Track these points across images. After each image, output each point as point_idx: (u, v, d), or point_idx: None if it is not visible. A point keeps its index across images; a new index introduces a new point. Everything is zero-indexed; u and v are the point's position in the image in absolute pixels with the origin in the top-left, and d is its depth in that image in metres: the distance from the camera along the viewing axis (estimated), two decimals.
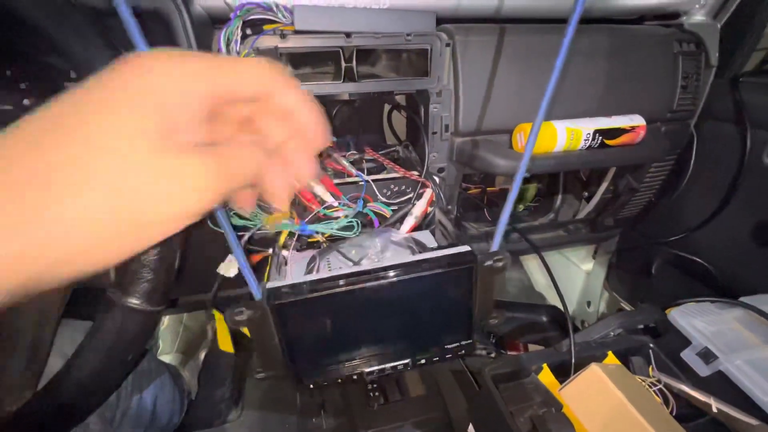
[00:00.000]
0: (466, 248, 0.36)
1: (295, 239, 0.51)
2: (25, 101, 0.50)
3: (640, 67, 0.64)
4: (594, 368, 0.41)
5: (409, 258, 0.35)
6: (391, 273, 0.33)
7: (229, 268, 0.48)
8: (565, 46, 0.36)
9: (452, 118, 0.59)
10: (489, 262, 0.36)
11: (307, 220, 0.50)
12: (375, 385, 0.66)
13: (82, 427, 0.33)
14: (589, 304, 1.12)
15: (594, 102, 0.64)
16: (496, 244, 0.37)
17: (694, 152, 0.73)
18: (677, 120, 0.69)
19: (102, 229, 0.16)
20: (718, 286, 0.71)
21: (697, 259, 0.73)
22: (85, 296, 0.37)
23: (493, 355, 0.88)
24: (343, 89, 0.52)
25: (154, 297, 0.28)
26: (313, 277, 0.34)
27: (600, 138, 0.59)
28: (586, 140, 0.59)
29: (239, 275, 0.61)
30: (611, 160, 0.62)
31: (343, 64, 0.50)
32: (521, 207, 0.94)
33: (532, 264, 1.34)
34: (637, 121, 0.61)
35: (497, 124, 0.61)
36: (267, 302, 0.33)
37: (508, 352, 0.95)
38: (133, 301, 0.27)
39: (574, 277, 1.15)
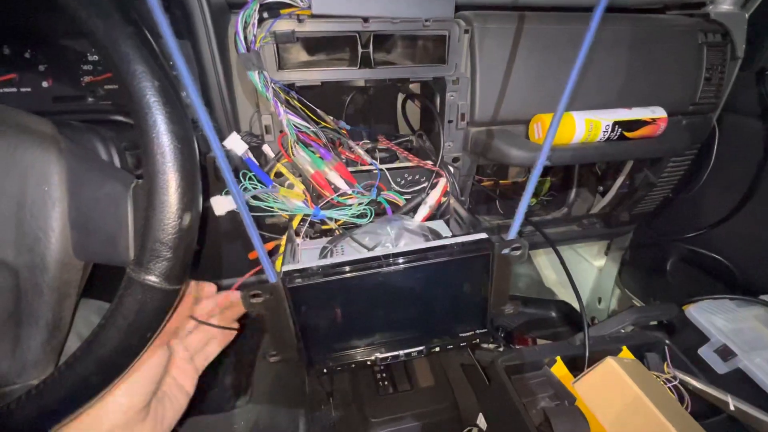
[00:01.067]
0: (482, 236, 0.36)
1: (307, 225, 0.51)
2: (44, 83, 0.51)
3: (662, 57, 0.62)
4: (610, 361, 0.40)
5: (426, 244, 0.34)
6: (408, 258, 0.33)
7: (219, 204, 0.47)
8: (590, 35, 0.35)
9: (468, 107, 0.58)
10: (506, 250, 0.36)
11: (320, 206, 0.50)
12: (384, 375, 0.66)
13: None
14: (599, 300, 1.11)
15: (614, 93, 0.62)
16: (513, 232, 0.36)
17: (715, 147, 0.71)
18: (699, 113, 0.68)
19: None
20: (737, 283, 0.69)
21: (717, 256, 0.71)
22: (103, 276, 0.37)
23: (501, 349, 0.88)
24: (359, 75, 0.51)
25: (172, 275, 0.28)
26: (329, 261, 0.34)
27: (619, 130, 0.58)
28: (604, 132, 0.58)
29: (248, 262, 0.61)
30: (630, 153, 0.61)
31: (360, 50, 0.50)
32: (534, 201, 0.93)
33: (542, 259, 1.33)
34: (659, 113, 0.60)
35: (514, 114, 0.60)
36: (282, 285, 0.33)
37: (518, 347, 0.95)
38: (152, 279, 0.27)
39: (585, 273, 1.14)
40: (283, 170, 0.51)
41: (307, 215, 0.49)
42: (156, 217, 0.27)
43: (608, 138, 0.58)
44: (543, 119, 0.58)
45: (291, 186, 0.55)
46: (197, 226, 0.30)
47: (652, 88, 0.63)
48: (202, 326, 0.44)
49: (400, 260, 0.33)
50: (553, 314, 1.06)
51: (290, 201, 0.48)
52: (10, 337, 0.28)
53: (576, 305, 1.01)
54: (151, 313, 0.28)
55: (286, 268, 0.34)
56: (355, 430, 0.61)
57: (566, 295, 1.19)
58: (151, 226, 0.28)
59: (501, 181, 0.90)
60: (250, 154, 0.47)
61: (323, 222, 0.52)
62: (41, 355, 0.29)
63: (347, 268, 0.33)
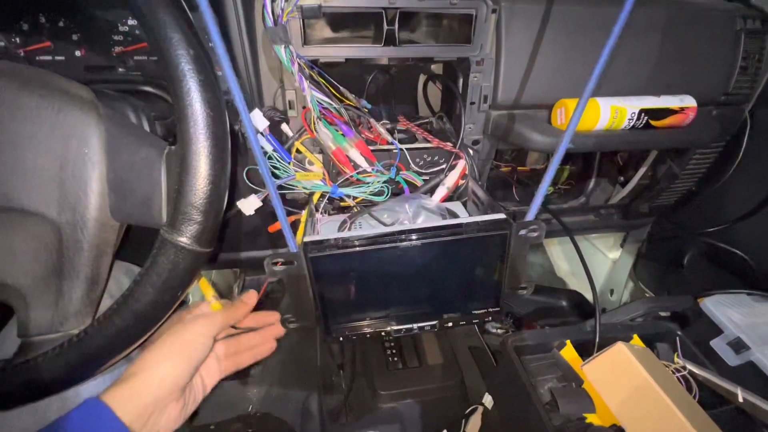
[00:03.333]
0: (501, 216, 0.36)
1: (326, 201, 0.52)
2: (77, 53, 0.52)
3: (696, 43, 0.60)
4: (620, 346, 0.41)
5: (444, 221, 0.35)
6: (426, 235, 0.34)
7: (247, 205, 0.49)
8: (622, 18, 0.34)
9: (491, 89, 0.57)
10: (523, 231, 0.36)
11: (339, 183, 0.51)
12: (394, 351, 0.68)
13: (129, 358, 0.36)
14: (611, 292, 1.10)
15: (642, 79, 0.61)
16: (531, 214, 0.37)
17: (745, 139, 0.68)
18: (731, 104, 0.65)
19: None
20: (756, 280, 0.68)
21: (737, 252, 0.70)
22: (133, 240, 0.39)
23: (509, 334, 0.88)
24: (383, 53, 0.51)
25: (202, 238, 0.30)
26: (349, 234, 0.35)
27: (645, 118, 0.57)
28: (630, 120, 0.57)
29: (267, 236, 0.63)
30: (655, 142, 0.60)
31: (385, 27, 0.49)
32: (551, 189, 0.92)
33: (554, 249, 1.33)
34: (688, 102, 0.58)
35: (537, 98, 0.59)
36: (304, 254, 0.34)
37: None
38: (184, 240, 0.29)
39: (598, 264, 1.13)
40: (302, 148, 0.52)
41: (326, 192, 0.50)
42: (188, 181, 0.29)
43: (633, 126, 0.57)
44: (567, 104, 0.57)
45: (310, 164, 0.56)
46: (226, 192, 0.31)
47: (683, 75, 0.61)
48: (240, 335, 0.46)
49: (418, 236, 0.34)
50: (564, 303, 1.06)
51: (310, 181, 0.49)
52: (53, 289, 0.30)
53: (588, 295, 1.01)
54: (182, 272, 0.30)
55: (307, 239, 0.35)
56: (364, 401, 0.63)
57: (578, 285, 1.19)
58: (183, 190, 0.29)
59: (519, 168, 0.89)
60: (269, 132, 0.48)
61: (341, 199, 0.53)
62: (81, 307, 0.31)
63: (366, 241, 0.34)
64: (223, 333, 0.44)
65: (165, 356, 0.34)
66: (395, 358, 0.67)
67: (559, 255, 1.30)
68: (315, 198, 0.49)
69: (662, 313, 0.62)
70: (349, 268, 0.35)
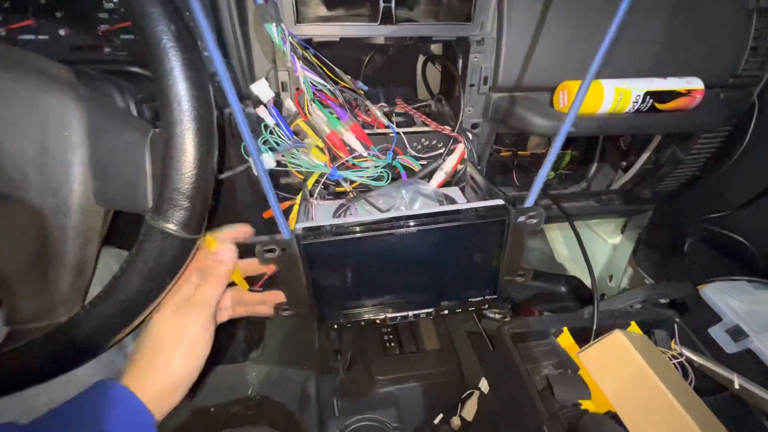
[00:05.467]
0: (499, 202, 0.35)
1: (320, 186, 0.51)
2: (61, 32, 0.50)
3: (706, 23, 0.58)
4: (617, 334, 0.40)
5: (441, 208, 0.34)
6: (422, 221, 0.33)
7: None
8: None
9: (492, 71, 0.55)
10: (522, 218, 0.35)
11: (336, 167, 0.50)
12: (391, 336, 0.68)
13: (120, 346, 0.35)
14: (610, 278, 1.10)
15: (648, 60, 0.58)
16: (530, 200, 0.36)
17: (753, 124, 0.67)
18: (740, 86, 0.63)
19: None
20: (757, 267, 0.67)
21: (739, 238, 0.69)
22: (123, 226, 0.38)
23: (507, 319, 0.89)
24: (380, 32, 0.49)
25: (190, 225, 0.29)
26: (343, 220, 0.34)
27: (650, 101, 0.55)
28: (634, 102, 0.55)
29: (262, 222, 0.62)
30: (660, 126, 0.58)
31: (382, 4, 0.47)
32: (552, 174, 0.91)
33: (554, 234, 1.32)
34: (695, 84, 0.56)
35: (539, 80, 0.57)
36: (297, 241, 0.33)
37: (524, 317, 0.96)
38: (170, 227, 0.28)
39: (598, 250, 1.13)
40: (303, 126, 0.51)
41: (323, 174, 0.49)
42: (173, 166, 0.28)
43: (638, 109, 0.55)
44: (570, 86, 0.55)
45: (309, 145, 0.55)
46: (213, 177, 0.30)
47: (691, 56, 0.59)
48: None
49: (415, 223, 0.33)
50: (562, 289, 1.06)
51: (312, 159, 0.48)
52: (39, 277, 0.30)
53: (587, 281, 1.01)
54: (169, 259, 0.29)
55: (299, 225, 0.34)
56: (361, 385, 0.64)
57: (577, 271, 1.19)
58: (168, 174, 0.28)
59: (519, 152, 0.88)
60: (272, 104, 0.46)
61: (338, 183, 0.52)
62: (67, 295, 0.31)
63: (361, 228, 0.33)
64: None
65: (177, 348, 0.33)
66: (392, 344, 0.67)
67: (559, 240, 1.30)
68: (310, 183, 0.48)
69: (661, 300, 0.62)
70: (343, 255, 0.34)
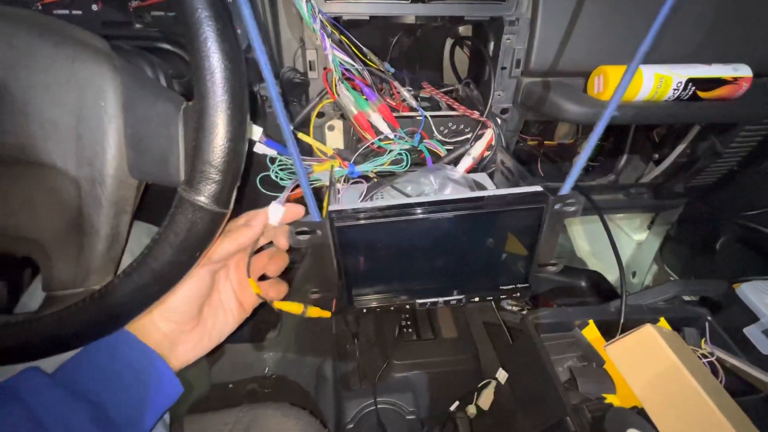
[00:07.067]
0: (537, 188, 0.34)
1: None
2: (94, 6, 0.51)
3: (757, 4, 0.54)
4: (649, 328, 0.39)
5: (478, 193, 0.33)
6: (459, 206, 0.32)
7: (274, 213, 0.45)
8: None
9: (524, 53, 0.53)
10: (559, 205, 0.34)
11: (358, 152, 0.49)
12: (408, 323, 0.68)
13: None
14: (633, 275, 1.07)
15: (691, 44, 0.55)
16: (567, 187, 0.34)
17: None
18: None
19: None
20: None
21: None
22: (153, 202, 0.39)
23: (525, 312, 0.87)
24: (411, 11, 0.48)
25: (220, 198, 0.29)
26: (378, 203, 0.33)
27: (693, 88, 0.52)
28: (675, 90, 0.52)
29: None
30: (701, 115, 0.55)
31: None
32: None
33: (576, 229, 1.29)
34: (743, 71, 0.53)
35: (574, 65, 0.55)
36: (330, 224, 0.33)
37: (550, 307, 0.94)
38: (202, 200, 0.28)
39: (622, 245, 1.09)
40: (304, 137, 0.49)
41: (342, 176, 0.48)
42: (206, 138, 0.28)
43: (678, 97, 0.53)
44: (607, 72, 0.53)
45: (331, 128, 0.54)
46: (245, 151, 0.30)
47: (739, 40, 0.55)
48: (275, 252, 0.43)
49: (451, 208, 0.32)
50: (583, 283, 1.03)
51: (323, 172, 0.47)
52: (74, 245, 0.30)
53: (609, 277, 0.98)
54: (200, 232, 0.29)
55: (333, 208, 0.34)
56: (378, 369, 0.64)
57: (598, 267, 1.16)
58: (201, 147, 0.28)
59: (546, 142, 0.85)
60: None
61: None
62: (101, 264, 0.31)
63: (395, 212, 0.32)
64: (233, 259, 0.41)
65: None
66: (409, 330, 0.67)
67: (580, 234, 1.26)
68: (335, 164, 0.48)
69: (687, 297, 0.60)
70: (375, 239, 0.34)
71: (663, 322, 0.48)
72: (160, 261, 0.29)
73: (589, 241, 1.23)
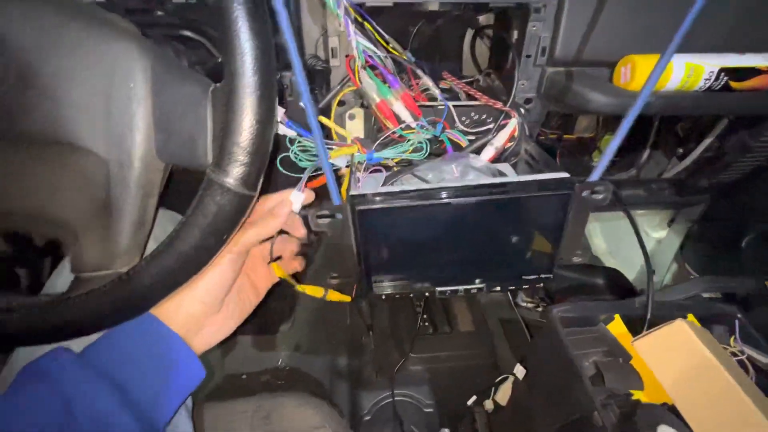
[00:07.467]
0: (563, 174, 0.33)
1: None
2: None
3: None
4: (680, 323, 0.38)
5: (502, 179, 0.32)
6: (483, 192, 0.31)
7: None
8: None
9: (549, 41, 0.52)
10: (586, 193, 0.33)
11: (380, 141, 0.48)
12: (425, 316, 0.67)
13: None
14: (653, 273, 1.05)
15: (723, 32, 0.53)
16: (597, 174, 0.33)
17: None
18: None
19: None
20: None
21: None
22: (178, 187, 0.39)
23: (540, 309, 0.86)
24: None
25: (249, 181, 0.29)
26: (399, 188, 0.33)
27: (725, 78, 0.50)
28: (706, 80, 0.50)
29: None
30: (732, 107, 0.53)
31: None
32: (597, 160, 0.86)
33: (591, 225, 1.26)
34: None
35: (600, 54, 0.53)
36: (352, 207, 0.32)
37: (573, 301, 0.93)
38: (230, 182, 0.28)
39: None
40: (325, 121, 0.47)
41: (361, 162, 0.48)
42: (235, 119, 0.27)
43: (709, 87, 0.51)
44: (636, 61, 0.51)
45: (352, 117, 0.54)
46: (273, 133, 0.30)
47: None
48: (287, 237, 0.43)
49: (474, 193, 0.31)
50: (600, 281, 1.02)
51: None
52: (102, 227, 0.30)
53: (628, 274, 0.96)
54: (228, 215, 0.29)
55: (354, 192, 0.33)
56: (393, 362, 0.63)
57: (614, 265, 1.14)
58: (230, 128, 0.28)
59: (565, 136, 0.84)
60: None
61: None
62: (128, 246, 0.31)
63: (418, 196, 0.32)
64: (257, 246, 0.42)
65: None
66: (426, 323, 0.66)
67: (597, 233, 1.24)
68: (355, 150, 0.47)
69: (707, 295, 0.58)
70: (397, 224, 0.33)
71: (692, 318, 0.46)
72: (187, 244, 0.29)
73: (605, 239, 1.21)
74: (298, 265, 0.44)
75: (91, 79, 0.29)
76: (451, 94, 0.60)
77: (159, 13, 0.51)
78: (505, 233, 0.34)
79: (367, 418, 0.57)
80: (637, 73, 0.51)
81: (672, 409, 0.38)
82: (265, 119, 0.28)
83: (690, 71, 0.50)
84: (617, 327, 0.45)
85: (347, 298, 0.41)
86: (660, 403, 0.39)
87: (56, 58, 0.28)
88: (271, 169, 0.51)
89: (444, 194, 0.32)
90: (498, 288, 0.37)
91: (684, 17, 0.45)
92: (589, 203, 0.34)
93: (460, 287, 0.37)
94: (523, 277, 0.37)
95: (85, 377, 0.30)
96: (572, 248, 0.36)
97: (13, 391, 0.30)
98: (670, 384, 0.38)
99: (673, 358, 0.38)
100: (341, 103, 0.51)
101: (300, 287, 0.40)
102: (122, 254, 0.31)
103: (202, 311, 0.37)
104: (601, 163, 0.33)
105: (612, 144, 0.32)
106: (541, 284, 0.37)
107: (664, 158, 0.80)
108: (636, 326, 0.47)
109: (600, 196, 0.33)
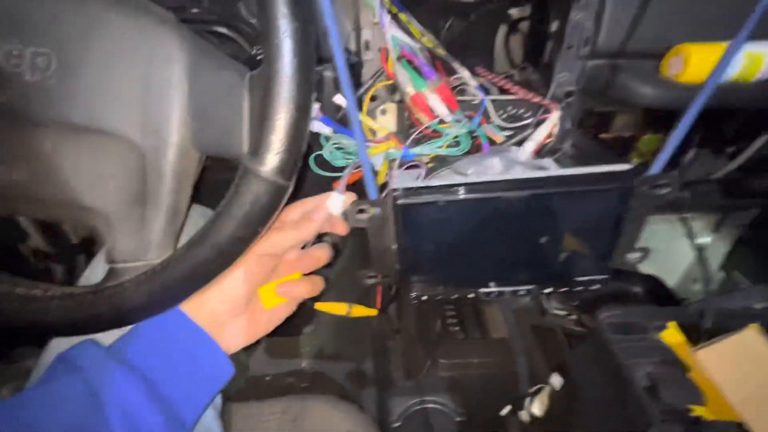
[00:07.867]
0: (624, 166, 0.30)
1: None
2: None
3: None
4: (752, 331, 0.34)
5: (556, 171, 0.30)
6: (535, 185, 0.29)
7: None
8: None
9: (592, 32, 0.49)
10: (647, 186, 0.30)
11: (413, 137, 0.47)
12: (455, 320, 0.65)
13: None
14: (694, 282, 0.98)
15: None
16: (658, 166, 0.31)
17: None
18: None
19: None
20: None
21: None
22: (210, 183, 0.38)
23: (573, 317, 0.82)
24: None
25: (285, 170, 0.27)
26: (442, 181, 0.31)
27: None
28: (765, 70, 0.46)
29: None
30: None
31: None
32: (637, 161, 0.82)
33: None
34: None
35: (647, 45, 0.50)
36: (392, 202, 0.31)
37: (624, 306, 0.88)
38: (266, 171, 0.27)
39: (680, 250, 1.01)
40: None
41: (395, 159, 0.46)
42: (272, 105, 0.26)
43: None
44: (689, 50, 0.48)
45: (384, 112, 0.53)
46: (309, 123, 0.29)
47: None
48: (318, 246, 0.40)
49: (526, 187, 0.29)
50: (636, 289, 0.96)
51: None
52: (137, 217, 0.30)
53: (668, 280, 0.91)
54: (264, 205, 0.28)
55: (395, 185, 0.32)
56: (421, 368, 0.61)
57: (650, 272, 1.07)
58: (267, 116, 0.27)
59: (601, 135, 0.80)
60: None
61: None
62: (162, 237, 0.31)
63: (465, 190, 0.30)
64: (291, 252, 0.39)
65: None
66: (456, 328, 0.64)
67: None
68: (391, 144, 0.46)
69: (760, 305, 0.53)
70: (439, 220, 0.31)
71: (757, 327, 0.42)
72: (221, 235, 0.28)
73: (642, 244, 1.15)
74: (313, 288, 0.40)
75: (130, 67, 0.28)
76: (485, 89, 0.58)
77: (193, 9, 0.51)
78: (557, 230, 0.32)
79: (397, 424, 0.55)
80: (691, 63, 0.48)
81: (739, 427, 0.34)
82: (303, 106, 0.27)
83: (749, 60, 0.46)
84: (672, 336, 0.41)
85: (373, 312, 0.39)
86: (726, 421, 0.35)
87: (99, 46, 0.28)
88: (303, 168, 0.50)
89: (494, 188, 0.29)
90: (549, 290, 0.35)
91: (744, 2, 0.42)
92: (651, 199, 0.31)
93: (506, 288, 0.34)
94: (576, 278, 0.34)
95: (116, 372, 0.30)
96: (630, 246, 0.33)
97: (44, 382, 0.30)
98: (739, 400, 0.34)
99: (744, 371, 0.34)
100: (373, 98, 0.50)
101: (319, 305, 0.38)
102: (156, 245, 0.30)
103: (226, 310, 0.35)
104: (665, 151, 0.31)
105: (677, 132, 0.29)
106: (597, 286, 0.35)
107: (711, 157, 0.75)
108: (691, 335, 0.43)
109: (664, 191, 0.30)
